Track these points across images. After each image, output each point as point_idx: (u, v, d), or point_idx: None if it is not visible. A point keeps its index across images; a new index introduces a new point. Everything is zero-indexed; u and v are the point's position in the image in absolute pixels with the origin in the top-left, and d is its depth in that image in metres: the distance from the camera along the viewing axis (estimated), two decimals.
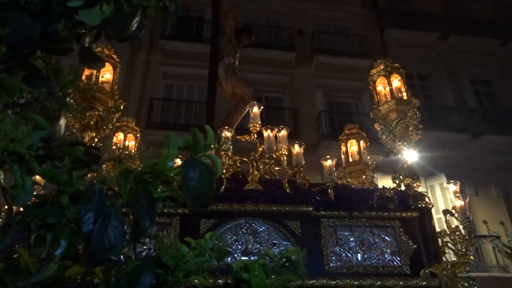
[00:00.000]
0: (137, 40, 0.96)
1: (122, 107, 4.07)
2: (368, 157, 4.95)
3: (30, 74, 0.95)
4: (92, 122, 3.76)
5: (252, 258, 3.27)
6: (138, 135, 5.08)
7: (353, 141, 5.07)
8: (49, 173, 0.90)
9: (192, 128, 0.88)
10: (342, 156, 5.08)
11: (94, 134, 3.84)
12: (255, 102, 4.04)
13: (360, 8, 15.14)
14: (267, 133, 3.67)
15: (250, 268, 1.01)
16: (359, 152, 4.96)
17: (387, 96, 4.41)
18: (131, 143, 5.04)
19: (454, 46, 14.12)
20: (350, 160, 4.97)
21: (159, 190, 0.87)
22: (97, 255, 0.82)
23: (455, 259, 3.41)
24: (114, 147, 4.45)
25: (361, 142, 5.03)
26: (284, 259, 1.09)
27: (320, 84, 13.24)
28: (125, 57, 12.43)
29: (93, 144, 3.77)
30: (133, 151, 4.88)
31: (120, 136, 4.93)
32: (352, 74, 13.34)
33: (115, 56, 4.32)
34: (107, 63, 4.17)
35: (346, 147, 5.08)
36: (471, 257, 3.41)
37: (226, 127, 3.97)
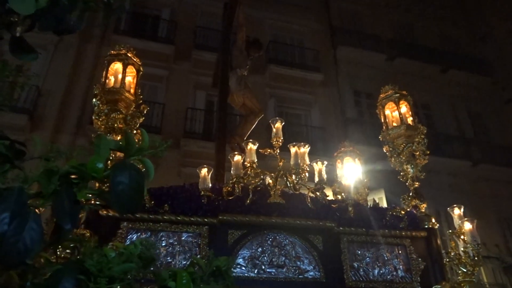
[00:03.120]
0: (75, 32, 0.92)
1: (145, 112, 3.92)
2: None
3: None
4: (116, 125, 3.59)
5: (280, 270, 3.41)
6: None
7: (349, 159, 5.17)
8: None
9: (126, 130, 0.85)
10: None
11: (119, 138, 3.69)
12: (277, 118, 4.13)
13: (315, 23, 15.59)
14: (294, 149, 3.73)
15: (177, 276, 0.99)
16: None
17: (394, 121, 4.59)
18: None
19: (399, 69, 14.93)
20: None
21: (84, 192, 0.83)
22: (10, 258, 0.77)
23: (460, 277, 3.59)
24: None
25: (356, 160, 5.17)
26: (214, 268, 1.08)
27: (273, 93, 13.43)
28: (73, 48, 11.90)
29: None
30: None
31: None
32: (304, 87, 13.68)
33: (137, 59, 4.14)
34: (130, 66, 4.02)
35: (342, 164, 5.16)
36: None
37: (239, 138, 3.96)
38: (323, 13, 16.07)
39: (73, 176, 0.87)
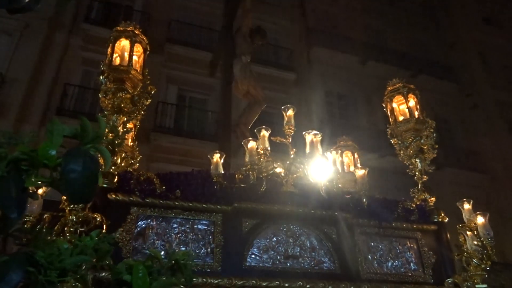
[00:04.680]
0: (29, 11, 0.87)
1: (153, 93, 3.79)
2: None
3: None
4: (123, 105, 3.47)
5: (295, 261, 3.33)
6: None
7: (348, 153, 5.15)
8: None
9: (81, 116, 0.81)
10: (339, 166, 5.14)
11: (125, 119, 3.52)
12: (289, 105, 4.01)
13: (290, 23, 15.67)
14: (310, 137, 3.65)
15: (133, 269, 0.96)
16: (354, 163, 5.05)
17: (401, 114, 4.60)
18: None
19: (371, 72, 15.21)
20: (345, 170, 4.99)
21: (33, 179, 0.78)
22: None
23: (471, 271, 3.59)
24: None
25: (355, 155, 5.14)
26: (173, 262, 1.05)
27: None
28: (40, 35, 11.47)
29: (125, 130, 3.48)
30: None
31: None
32: (277, 86, 13.71)
33: (144, 38, 3.93)
34: (137, 44, 3.82)
35: (342, 158, 5.11)
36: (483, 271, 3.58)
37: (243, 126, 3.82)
38: (298, 13, 16.17)
39: (23, 163, 0.82)
